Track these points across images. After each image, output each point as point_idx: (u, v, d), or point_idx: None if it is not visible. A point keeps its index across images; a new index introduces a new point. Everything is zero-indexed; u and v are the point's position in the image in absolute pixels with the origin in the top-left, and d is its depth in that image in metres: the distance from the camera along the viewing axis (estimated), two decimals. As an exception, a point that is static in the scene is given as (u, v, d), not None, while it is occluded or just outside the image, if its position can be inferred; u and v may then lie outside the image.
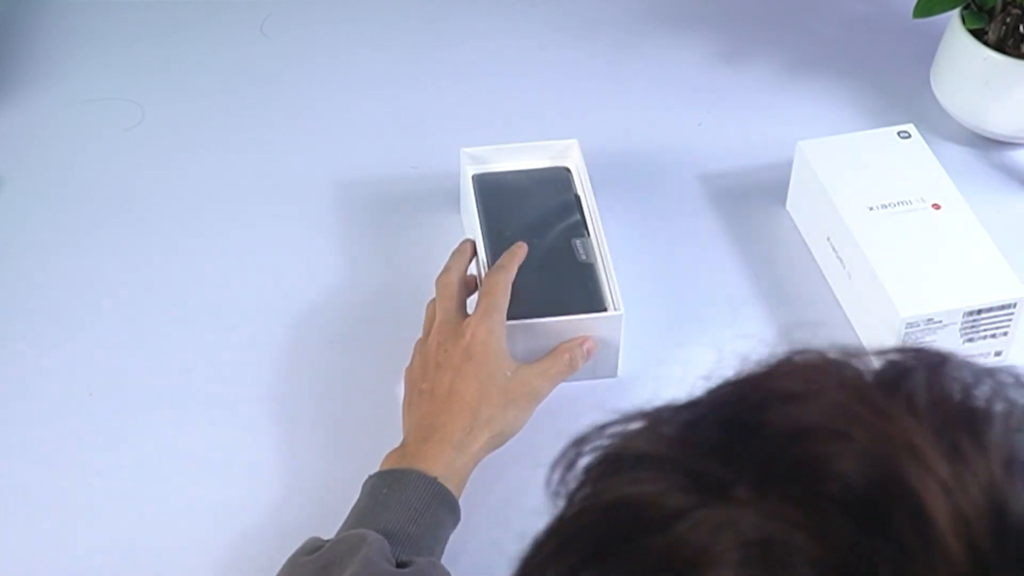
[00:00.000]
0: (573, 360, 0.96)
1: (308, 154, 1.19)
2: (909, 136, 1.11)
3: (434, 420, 0.90)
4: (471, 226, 1.06)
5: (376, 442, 0.91)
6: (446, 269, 0.99)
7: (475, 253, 1.02)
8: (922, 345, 0.44)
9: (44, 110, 1.24)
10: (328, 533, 0.85)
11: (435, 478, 0.85)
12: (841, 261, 1.05)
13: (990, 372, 0.45)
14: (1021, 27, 1.14)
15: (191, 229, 1.13)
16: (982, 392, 0.44)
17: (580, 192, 1.08)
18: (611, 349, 0.99)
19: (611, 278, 1.00)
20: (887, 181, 1.06)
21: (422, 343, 0.97)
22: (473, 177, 1.08)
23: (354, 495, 0.87)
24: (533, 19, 1.34)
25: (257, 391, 1.01)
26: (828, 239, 1.07)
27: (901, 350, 0.46)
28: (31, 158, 1.20)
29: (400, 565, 0.80)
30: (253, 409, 1.00)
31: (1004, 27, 1.14)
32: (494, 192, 1.08)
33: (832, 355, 0.47)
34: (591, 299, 1.00)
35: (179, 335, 1.05)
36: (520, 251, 1.00)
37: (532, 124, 1.21)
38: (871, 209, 1.04)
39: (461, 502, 0.87)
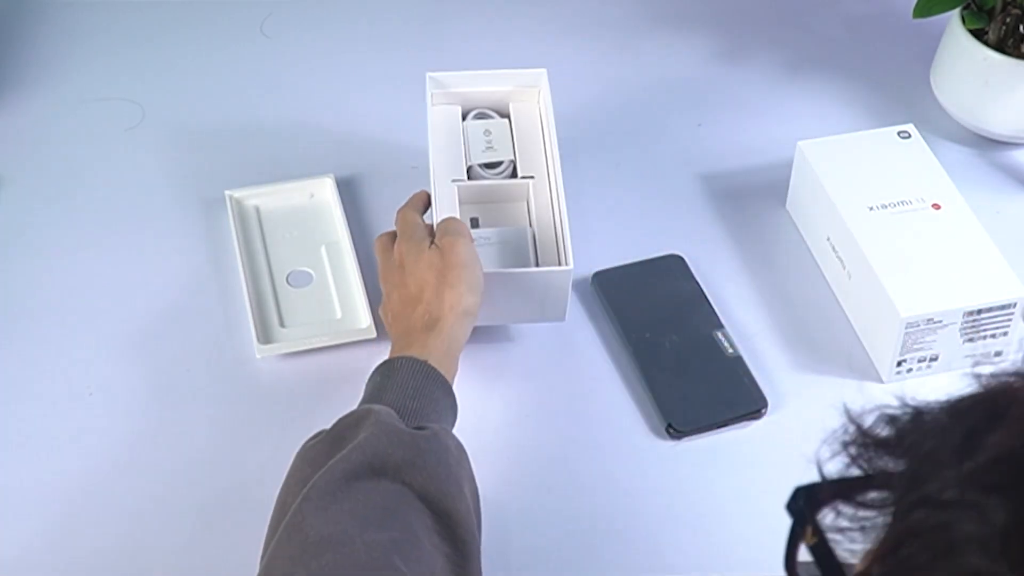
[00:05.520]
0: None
1: (308, 154, 1.19)
2: (909, 136, 1.11)
3: (403, 321, 0.95)
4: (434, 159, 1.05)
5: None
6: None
7: (428, 204, 1.03)
8: None
9: (44, 110, 1.24)
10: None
11: (424, 360, 0.90)
12: (841, 261, 1.05)
13: None
14: (1021, 27, 1.14)
15: (191, 229, 1.13)
16: None
17: (546, 129, 1.06)
18: (561, 295, 0.99)
19: (565, 237, 1.00)
20: (887, 181, 1.06)
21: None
22: (593, 276, 1.07)
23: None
24: (533, 19, 1.34)
25: (258, 390, 1.01)
26: (828, 239, 1.07)
27: None
28: (31, 158, 1.20)
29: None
30: (254, 408, 1.00)
31: (1004, 27, 1.14)
32: (616, 288, 1.06)
33: None
34: (750, 395, 0.99)
35: (179, 334, 1.05)
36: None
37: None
38: (871, 209, 1.04)
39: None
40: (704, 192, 1.16)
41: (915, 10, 1.14)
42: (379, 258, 1.01)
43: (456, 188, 1.03)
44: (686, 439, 0.97)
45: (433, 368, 0.90)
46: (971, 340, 1.00)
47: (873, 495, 0.50)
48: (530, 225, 1.03)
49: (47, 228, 1.13)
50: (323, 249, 1.10)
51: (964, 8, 1.16)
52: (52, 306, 1.07)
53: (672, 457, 0.96)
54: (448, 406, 0.90)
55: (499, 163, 1.06)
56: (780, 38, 1.32)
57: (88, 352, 1.04)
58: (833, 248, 1.06)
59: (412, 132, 1.21)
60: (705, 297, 1.05)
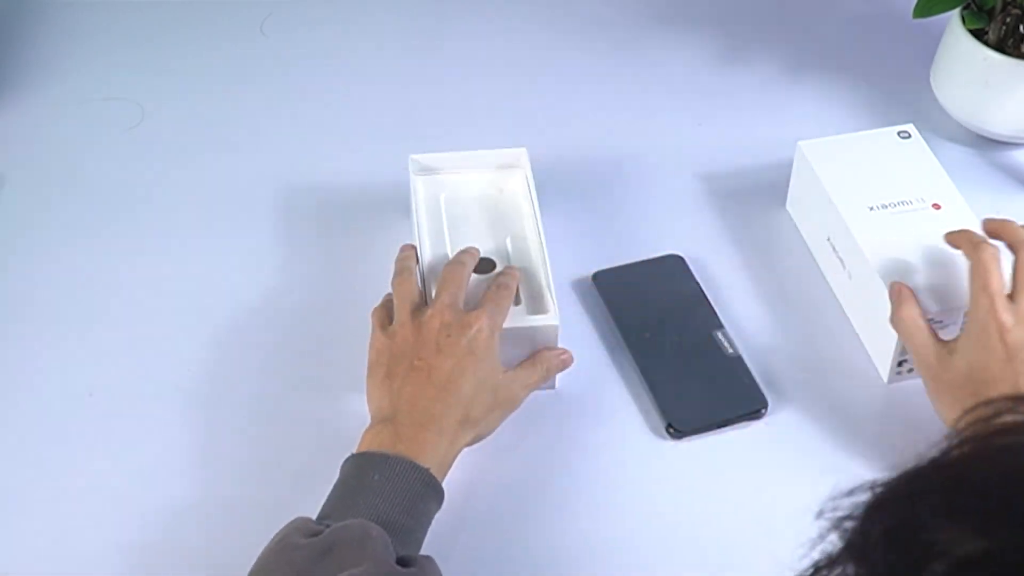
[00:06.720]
0: (550, 371, 0.97)
1: (309, 154, 1.20)
2: (909, 136, 1.11)
3: (431, 406, 0.88)
4: (419, 232, 1.03)
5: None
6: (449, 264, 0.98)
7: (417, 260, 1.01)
8: None
9: (44, 110, 1.24)
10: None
11: (428, 470, 0.85)
12: (841, 261, 1.05)
13: None
14: (1021, 27, 1.14)
15: (192, 229, 1.13)
16: None
17: (533, 198, 1.05)
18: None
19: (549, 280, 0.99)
20: (887, 181, 1.06)
21: (411, 319, 0.93)
22: (592, 276, 1.07)
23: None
24: (533, 21, 1.34)
25: (257, 392, 1.01)
26: (828, 239, 1.07)
27: None
28: (31, 158, 1.20)
29: (399, 561, 0.79)
30: (253, 409, 1.00)
31: (1004, 27, 1.14)
32: (615, 288, 1.06)
33: None
34: (750, 395, 0.99)
35: (179, 335, 1.05)
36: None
37: (532, 125, 1.21)
38: (871, 209, 1.04)
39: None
40: (704, 192, 1.17)
41: (915, 10, 1.14)
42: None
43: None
44: (686, 439, 0.97)
45: (434, 478, 0.85)
46: (971, 340, 1.00)
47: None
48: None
49: (47, 228, 1.13)
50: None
51: (964, 8, 1.16)
52: (52, 306, 1.07)
53: (672, 457, 0.96)
54: (436, 509, 0.86)
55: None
56: (780, 38, 1.32)
57: (88, 352, 1.04)
58: (833, 248, 1.06)
59: (413, 132, 1.21)
60: (705, 297, 1.06)
